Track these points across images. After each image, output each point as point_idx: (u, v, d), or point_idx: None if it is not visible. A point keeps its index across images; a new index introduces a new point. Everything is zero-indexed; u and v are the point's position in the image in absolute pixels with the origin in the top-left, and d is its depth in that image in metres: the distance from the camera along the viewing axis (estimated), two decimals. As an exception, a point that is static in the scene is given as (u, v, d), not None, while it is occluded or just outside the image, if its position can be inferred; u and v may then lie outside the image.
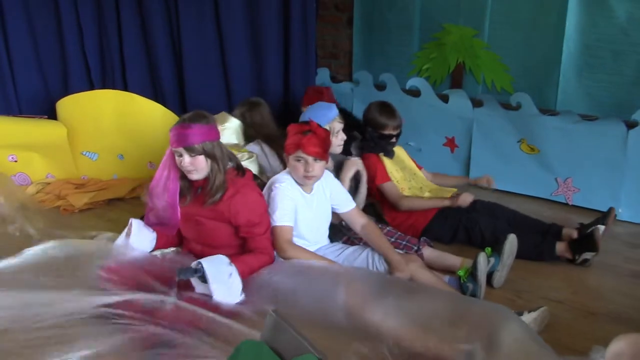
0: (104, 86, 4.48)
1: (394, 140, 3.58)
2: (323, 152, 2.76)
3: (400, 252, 3.03)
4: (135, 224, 2.72)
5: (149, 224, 2.78)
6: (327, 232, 3.06)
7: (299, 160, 2.76)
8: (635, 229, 3.71)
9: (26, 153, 4.06)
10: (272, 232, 2.75)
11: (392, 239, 3.17)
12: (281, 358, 1.22)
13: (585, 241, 3.25)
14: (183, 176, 2.69)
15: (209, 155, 2.61)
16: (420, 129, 4.46)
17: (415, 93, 4.56)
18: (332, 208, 3.03)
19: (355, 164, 3.31)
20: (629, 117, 3.84)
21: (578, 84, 4.26)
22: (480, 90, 4.68)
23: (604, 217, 3.41)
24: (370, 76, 4.86)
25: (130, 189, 4.12)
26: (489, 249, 3.08)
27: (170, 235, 2.82)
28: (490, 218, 3.47)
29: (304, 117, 3.19)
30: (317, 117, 3.11)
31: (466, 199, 3.39)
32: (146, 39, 4.48)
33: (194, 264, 2.42)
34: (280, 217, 2.76)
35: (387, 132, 3.54)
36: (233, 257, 2.53)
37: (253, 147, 3.53)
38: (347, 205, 3.01)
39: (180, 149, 2.58)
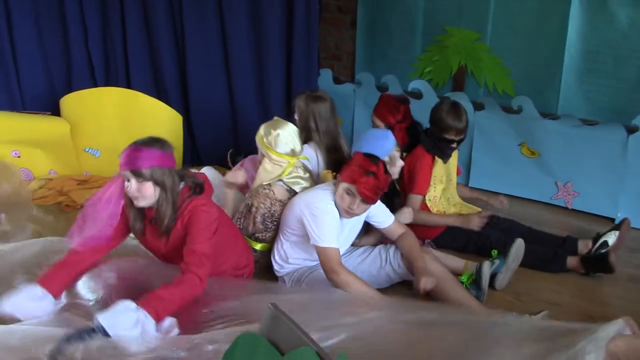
0: (107, 84, 4.50)
1: (454, 145, 3.45)
2: (375, 197, 2.71)
3: None
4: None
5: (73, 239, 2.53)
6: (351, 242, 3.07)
7: (349, 194, 2.71)
8: (634, 233, 3.70)
9: (29, 149, 4.09)
10: (320, 253, 2.69)
11: None
12: (279, 351, 1.23)
13: (600, 263, 3.21)
14: (132, 204, 2.47)
15: (157, 182, 2.39)
16: (421, 131, 4.51)
17: (417, 95, 4.57)
18: (374, 224, 3.01)
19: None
20: (629, 122, 3.87)
21: (579, 88, 4.29)
22: (482, 93, 4.70)
23: (617, 226, 3.37)
24: (373, 78, 4.88)
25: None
26: (496, 251, 3.10)
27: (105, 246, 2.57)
28: (503, 232, 3.42)
29: (361, 146, 3.04)
30: (376, 150, 2.98)
31: (478, 222, 3.36)
32: (150, 38, 4.48)
33: (94, 323, 2.14)
34: (328, 239, 2.71)
35: (449, 135, 3.39)
36: (146, 296, 2.26)
37: (308, 150, 3.30)
38: (387, 221, 3.00)
39: (128, 173, 2.38)
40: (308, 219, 2.75)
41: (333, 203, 2.78)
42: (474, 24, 4.64)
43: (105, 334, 2.08)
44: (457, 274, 3.01)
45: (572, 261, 3.24)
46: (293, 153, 3.06)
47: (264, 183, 3.03)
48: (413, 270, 2.81)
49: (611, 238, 3.23)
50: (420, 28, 4.93)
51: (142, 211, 2.50)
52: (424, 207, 3.45)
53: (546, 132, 4.04)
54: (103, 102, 4.22)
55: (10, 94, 4.39)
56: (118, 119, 4.20)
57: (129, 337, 2.10)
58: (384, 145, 3.11)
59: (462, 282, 2.92)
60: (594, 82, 4.22)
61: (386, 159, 3.02)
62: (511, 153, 4.21)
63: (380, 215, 2.98)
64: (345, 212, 2.76)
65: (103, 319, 2.12)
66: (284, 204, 3.00)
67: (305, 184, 3.10)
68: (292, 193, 3.05)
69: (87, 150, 4.26)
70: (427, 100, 4.51)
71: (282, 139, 3.02)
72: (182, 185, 2.49)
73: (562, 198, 4.07)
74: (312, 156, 3.29)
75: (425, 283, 2.69)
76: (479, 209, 3.59)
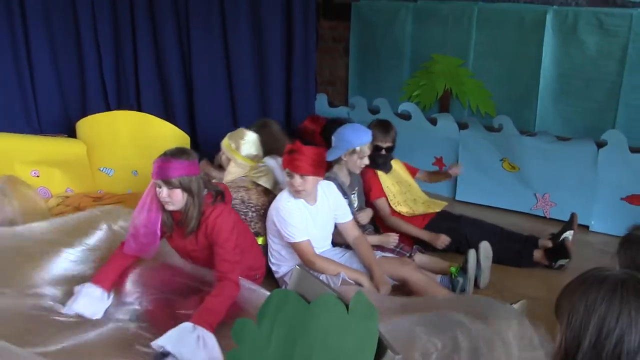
0: (119, 108, 4.75)
1: (382, 152, 3.77)
2: (308, 167, 2.99)
3: (394, 255, 3.36)
4: (80, 291, 2.78)
5: (129, 249, 2.83)
6: (330, 237, 3.36)
7: (289, 176, 3.05)
8: (605, 238, 4.02)
9: (48, 168, 4.31)
10: (296, 249, 3.00)
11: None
12: (306, 301, 1.55)
13: (559, 249, 3.61)
14: (164, 210, 2.78)
15: (185, 189, 2.69)
16: (411, 149, 4.72)
17: (406, 117, 4.87)
18: (334, 218, 3.31)
19: None
20: (599, 138, 4.12)
21: (554, 108, 4.55)
22: (466, 114, 4.97)
23: (569, 224, 3.77)
24: (365, 101, 5.17)
25: (144, 203, 4.42)
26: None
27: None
28: (476, 228, 3.79)
29: (341, 131, 3.47)
30: (352, 136, 3.42)
31: (444, 240, 3.67)
32: (159, 64, 4.77)
33: (159, 347, 2.43)
34: (296, 234, 3.02)
35: (377, 143, 3.72)
36: (198, 313, 2.53)
37: (270, 161, 3.68)
38: (344, 217, 3.31)
39: (160, 181, 2.69)
40: (278, 221, 3.08)
41: (292, 198, 3.10)
42: (457, 51, 4.92)
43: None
44: (444, 272, 3.34)
45: (537, 255, 3.63)
46: (255, 157, 3.55)
47: (228, 182, 3.45)
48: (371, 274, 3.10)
49: (569, 235, 3.65)
50: (408, 55, 5.23)
51: (171, 215, 2.81)
52: (396, 214, 3.79)
53: (525, 148, 4.30)
54: (117, 125, 4.45)
55: (29, 118, 4.62)
56: (130, 140, 4.43)
57: (195, 356, 2.37)
58: (361, 137, 3.47)
59: (452, 273, 3.24)
60: (567, 103, 4.48)
61: (357, 148, 3.41)
62: (493, 168, 4.48)
63: (340, 209, 3.30)
64: (296, 193, 3.06)
65: (169, 346, 2.39)
66: (250, 190, 3.42)
67: (265, 177, 3.54)
68: (256, 184, 3.48)
69: (101, 169, 4.49)
70: (415, 121, 4.83)
71: (246, 145, 3.52)
72: (205, 191, 2.80)
73: (541, 208, 4.36)
74: (274, 164, 3.67)
75: (382, 291, 2.99)
76: (445, 203, 3.97)
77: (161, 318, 2.69)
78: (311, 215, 3.15)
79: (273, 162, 3.65)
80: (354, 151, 3.44)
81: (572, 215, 3.80)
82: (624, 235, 2.08)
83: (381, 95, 5.20)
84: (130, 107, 4.76)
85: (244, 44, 4.78)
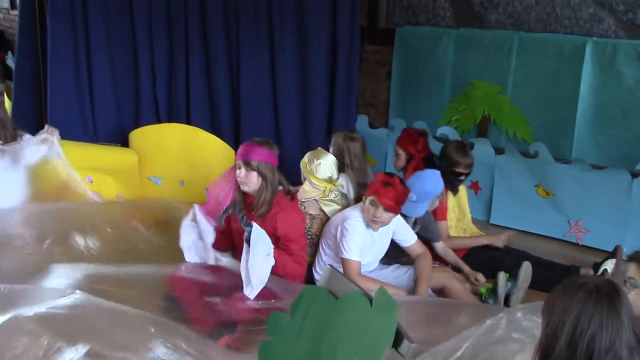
0: (169, 121, 4.98)
1: (462, 177, 3.86)
2: (395, 206, 3.11)
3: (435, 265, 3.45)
4: (198, 211, 3.11)
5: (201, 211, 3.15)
6: (379, 260, 3.46)
7: (372, 204, 3.13)
8: (637, 266, 4.05)
9: (101, 175, 4.51)
10: (344, 264, 3.13)
11: None
12: (335, 297, 1.70)
13: None
14: (239, 190, 3.08)
15: (261, 174, 2.99)
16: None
17: (444, 140, 4.93)
18: (398, 241, 3.42)
19: None
20: (634, 167, 4.21)
21: (590, 137, 4.62)
22: (503, 139, 5.06)
23: (612, 254, 3.74)
24: (405, 123, 5.31)
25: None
26: (507, 274, 3.45)
27: (224, 238, 3.21)
28: (515, 259, 3.74)
29: (419, 185, 3.39)
30: (432, 185, 3.47)
31: (503, 239, 3.79)
32: (209, 81, 5.01)
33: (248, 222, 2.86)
34: (352, 251, 3.13)
35: (458, 169, 3.80)
36: (275, 250, 2.92)
37: (341, 180, 3.69)
38: (410, 240, 3.42)
39: (240, 162, 3.00)
40: (340, 232, 3.19)
41: (361, 220, 3.20)
42: (497, 78, 5.05)
43: (248, 236, 2.81)
44: (475, 293, 3.44)
45: None
46: (330, 180, 3.57)
47: (301, 200, 3.53)
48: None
49: (609, 265, 3.62)
50: (448, 81, 5.37)
51: (243, 196, 3.09)
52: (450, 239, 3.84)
53: (560, 175, 4.39)
54: (167, 136, 4.70)
55: (86, 128, 4.88)
56: (179, 152, 4.65)
57: (257, 252, 2.77)
58: (438, 188, 3.53)
59: (482, 294, 3.34)
60: (603, 132, 4.55)
61: (434, 200, 3.52)
62: (528, 193, 4.55)
63: (404, 233, 3.40)
64: (372, 222, 3.15)
65: (257, 229, 2.81)
66: (315, 219, 3.48)
67: (336, 206, 3.57)
68: (323, 212, 3.53)
69: (150, 178, 4.71)
70: None
71: (323, 167, 3.54)
72: (280, 187, 3.08)
73: (574, 235, 4.41)
74: (345, 185, 3.74)
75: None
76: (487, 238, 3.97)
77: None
78: (371, 242, 3.26)
79: (344, 181, 3.69)
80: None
81: (617, 247, 3.77)
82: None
83: (421, 119, 5.35)
84: (179, 122, 4.95)
85: (290, 66, 4.99)
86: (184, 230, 3.12)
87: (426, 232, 3.68)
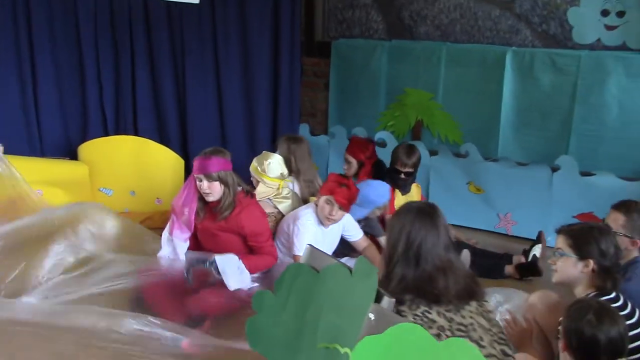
0: (117, 133, 5.06)
1: (402, 176, 4.07)
2: (348, 205, 3.35)
3: None
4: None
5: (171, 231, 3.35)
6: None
7: (328, 203, 3.34)
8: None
9: (51, 188, 4.51)
10: (296, 260, 3.29)
11: None
12: (316, 271, 1.92)
13: (531, 268, 3.98)
14: (200, 197, 3.26)
15: (222, 181, 3.17)
16: (386, 174, 5.17)
17: (382, 144, 5.24)
18: (347, 237, 3.65)
19: None
20: (553, 163, 4.56)
21: (513, 137, 4.96)
22: (436, 142, 5.35)
23: (536, 240, 4.17)
24: (344, 130, 5.54)
25: (140, 221, 4.57)
26: None
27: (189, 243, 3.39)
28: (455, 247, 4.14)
29: (361, 188, 3.57)
30: (376, 195, 3.72)
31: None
32: (155, 92, 5.13)
33: (210, 259, 3.02)
34: (302, 249, 3.21)
35: (397, 167, 4.05)
36: (241, 256, 3.13)
37: (290, 184, 3.90)
38: (356, 236, 3.68)
39: (201, 176, 3.15)
40: (293, 231, 3.39)
41: (312, 218, 3.42)
42: (428, 86, 5.32)
43: (217, 270, 3.01)
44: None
45: (509, 269, 4.01)
46: (282, 176, 3.80)
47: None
48: None
49: (537, 250, 4.02)
50: (383, 89, 5.60)
51: (204, 204, 3.24)
52: None
53: (489, 173, 4.72)
54: (117, 148, 4.77)
55: (31, 142, 4.90)
56: (129, 163, 4.73)
57: (231, 275, 2.99)
58: (385, 196, 3.82)
59: None
60: (525, 132, 4.89)
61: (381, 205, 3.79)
62: (461, 190, 4.87)
63: (352, 230, 3.67)
64: (326, 220, 3.38)
65: (219, 258, 3.00)
66: (270, 217, 3.65)
67: (289, 202, 3.80)
68: (277, 210, 3.74)
69: (101, 189, 4.78)
70: (390, 148, 5.09)
71: (273, 166, 3.77)
72: (239, 188, 3.25)
73: (503, 226, 4.76)
74: (291, 186, 3.95)
75: None
76: None
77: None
78: (322, 238, 3.45)
79: (290, 184, 3.89)
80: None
81: (540, 233, 4.19)
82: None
83: (359, 125, 5.57)
84: (127, 133, 5.06)
85: (234, 78, 5.17)
86: (163, 243, 3.35)
87: (370, 229, 3.97)
